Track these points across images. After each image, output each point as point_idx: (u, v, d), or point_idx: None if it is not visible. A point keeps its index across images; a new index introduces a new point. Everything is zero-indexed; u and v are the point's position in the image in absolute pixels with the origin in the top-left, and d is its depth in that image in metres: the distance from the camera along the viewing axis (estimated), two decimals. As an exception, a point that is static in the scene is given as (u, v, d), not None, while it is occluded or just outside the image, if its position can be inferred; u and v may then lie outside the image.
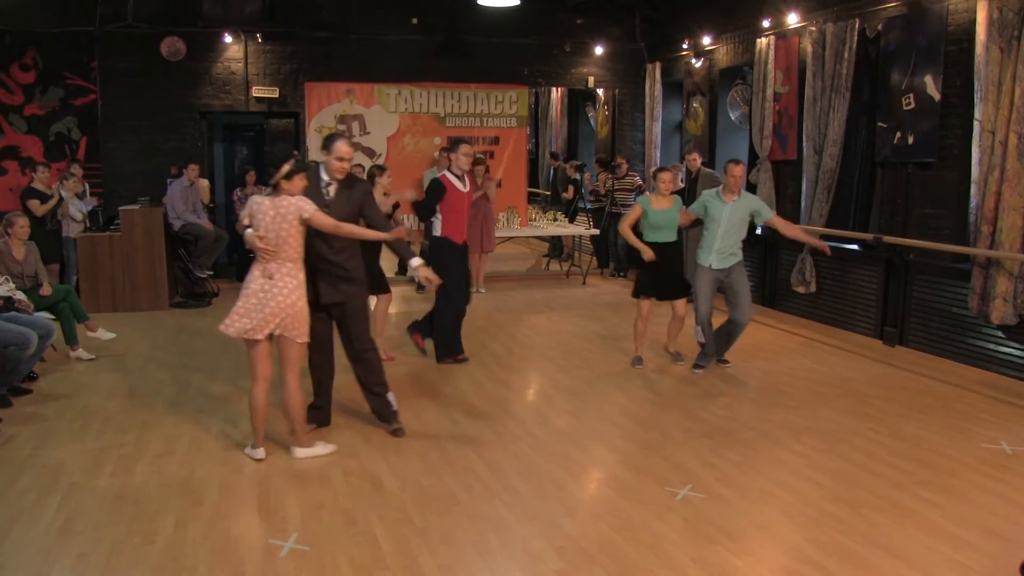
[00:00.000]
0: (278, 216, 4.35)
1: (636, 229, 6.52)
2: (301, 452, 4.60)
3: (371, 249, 6.35)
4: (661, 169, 6.47)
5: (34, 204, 8.22)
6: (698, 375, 6.35)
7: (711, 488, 4.23)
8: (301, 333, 4.45)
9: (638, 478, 4.37)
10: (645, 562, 3.47)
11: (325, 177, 4.74)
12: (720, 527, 3.79)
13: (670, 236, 6.39)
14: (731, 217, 6.21)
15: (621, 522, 3.84)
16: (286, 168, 4.37)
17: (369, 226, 4.77)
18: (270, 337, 4.42)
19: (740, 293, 6.31)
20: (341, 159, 4.67)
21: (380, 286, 6.45)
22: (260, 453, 4.58)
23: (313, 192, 4.59)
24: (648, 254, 6.30)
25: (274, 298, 4.35)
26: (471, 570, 3.43)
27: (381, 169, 6.68)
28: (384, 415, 5.04)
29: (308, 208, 4.39)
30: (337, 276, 4.76)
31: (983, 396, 5.90)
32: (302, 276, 4.48)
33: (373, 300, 6.46)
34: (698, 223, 6.85)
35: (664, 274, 6.41)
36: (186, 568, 3.41)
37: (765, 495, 4.16)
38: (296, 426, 4.60)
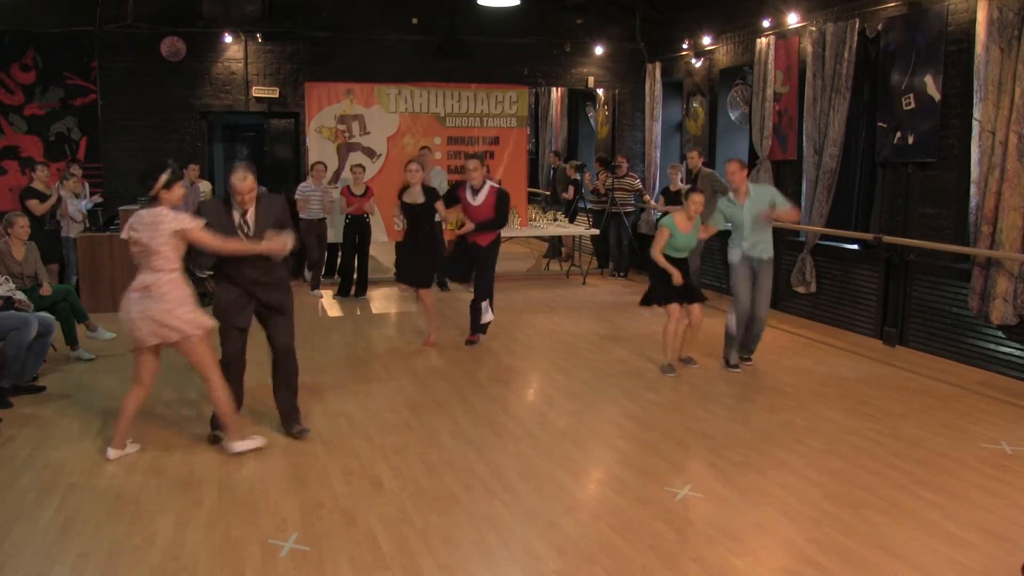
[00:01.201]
0: (151, 226, 4.30)
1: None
2: (238, 446, 4.61)
3: (427, 244, 7.05)
4: (695, 190, 6.47)
5: (33, 204, 8.21)
6: (697, 374, 6.35)
7: (711, 488, 4.23)
8: (194, 325, 4.41)
9: (638, 478, 4.37)
10: (645, 562, 3.47)
11: (236, 214, 4.61)
12: (720, 527, 3.79)
13: (686, 254, 6.47)
14: (751, 214, 6.28)
15: (621, 522, 3.84)
16: (164, 177, 4.33)
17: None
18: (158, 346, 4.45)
19: (762, 288, 6.42)
20: (240, 193, 4.53)
21: (424, 281, 7.14)
22: (113, 454, 4.54)
23: (228, 230, 4.54)
24: (677, 278, 6.26)
25: (157, 312, 4.33)
26: (471, 570, 3.43)
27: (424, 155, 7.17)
28: (291, 417, 4.97)
29: (185, 222, 4.33)
30: (271, 287, 4.73)
31: (983, 396, 5.90)
32: (184, 288, 4.43)
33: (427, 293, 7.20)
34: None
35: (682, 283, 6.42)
36: (186, 568, 3.41)
37: (765, 495, 4.16)
38: (226, 420, 4.60)
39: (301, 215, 9.50)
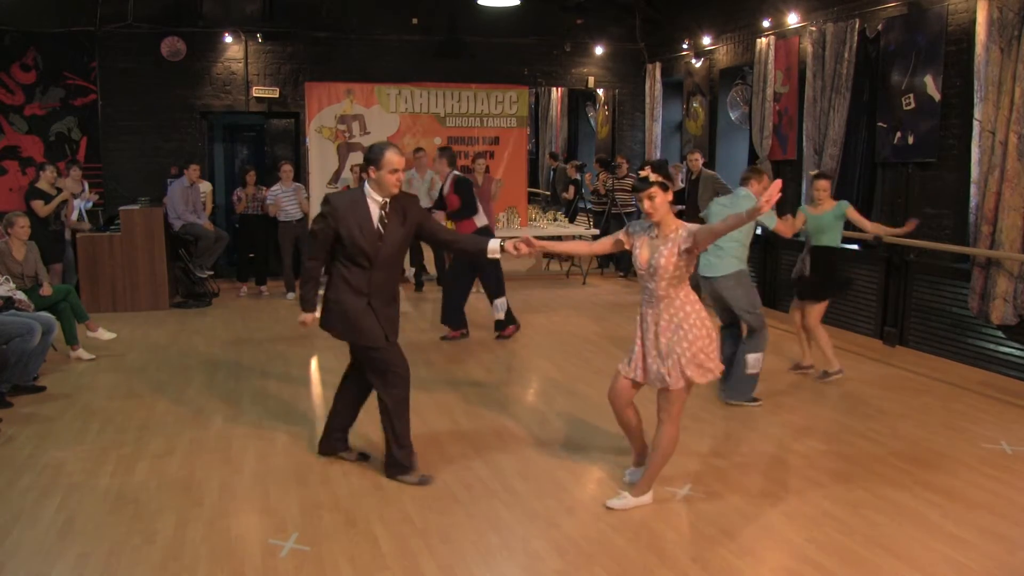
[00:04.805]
0: None
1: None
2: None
3: None
4: (819, 176, 6.26)
5: (37, 205, 8.21)
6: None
7: (711, 488, 4.23)
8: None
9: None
10: (645, 562, 3.47)
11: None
12: (720, 527, 3.79)
13: (830, 240, 6.29)
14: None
15: (621, 522, 3.84)
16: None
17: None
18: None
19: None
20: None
21: None
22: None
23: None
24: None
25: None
26: (471, 570, 3.43)
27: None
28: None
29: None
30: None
31: (983, 396, 5.90)
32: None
33: None
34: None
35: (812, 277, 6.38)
36: (186, 568, 3.41)
37: (765, 495, 4.16)
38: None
39: (279, 219, 9.45)
